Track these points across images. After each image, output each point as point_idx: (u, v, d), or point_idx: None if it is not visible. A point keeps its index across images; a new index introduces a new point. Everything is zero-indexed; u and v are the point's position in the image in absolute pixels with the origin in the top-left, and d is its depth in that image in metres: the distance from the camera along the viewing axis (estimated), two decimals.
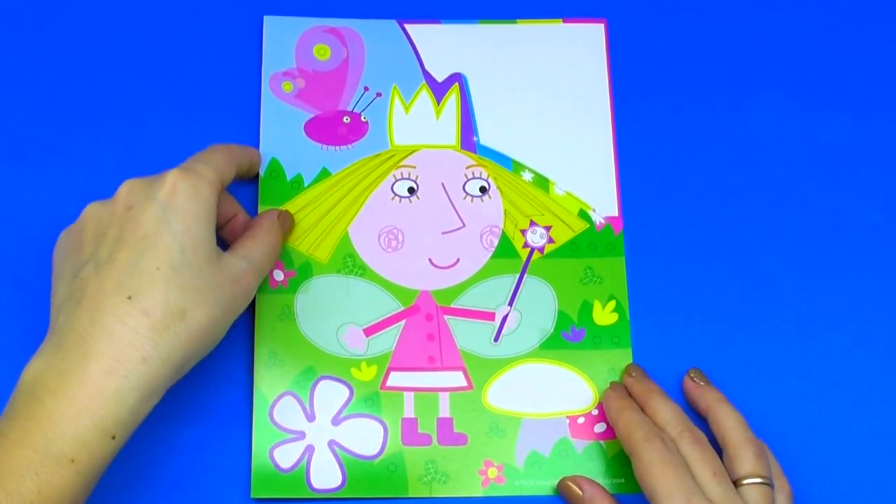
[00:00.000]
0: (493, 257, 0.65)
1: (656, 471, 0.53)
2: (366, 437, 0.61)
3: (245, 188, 0.65)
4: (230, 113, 0.67)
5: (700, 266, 0.65)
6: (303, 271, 0.64)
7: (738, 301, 0.64)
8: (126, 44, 0.69)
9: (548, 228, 0.66)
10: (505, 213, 0.66)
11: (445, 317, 0.64)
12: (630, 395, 0.60)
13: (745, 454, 0.55)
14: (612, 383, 0.61)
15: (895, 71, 0.70)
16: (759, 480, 0.54)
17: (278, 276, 0.63)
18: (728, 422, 0.57)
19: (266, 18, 0.69)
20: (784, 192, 0.67)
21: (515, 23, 0.70)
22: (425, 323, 0.63)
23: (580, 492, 0.58)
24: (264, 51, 0.69)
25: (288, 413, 0.61)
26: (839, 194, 0.67)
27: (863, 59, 0.70)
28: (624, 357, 0.63)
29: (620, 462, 0.60)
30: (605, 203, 0.66)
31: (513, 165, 0.67)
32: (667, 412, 0.58)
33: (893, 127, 0.69)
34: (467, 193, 0.66)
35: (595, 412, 0.62)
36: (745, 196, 0.67)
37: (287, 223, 0.63)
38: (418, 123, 0.68)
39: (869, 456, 0.62)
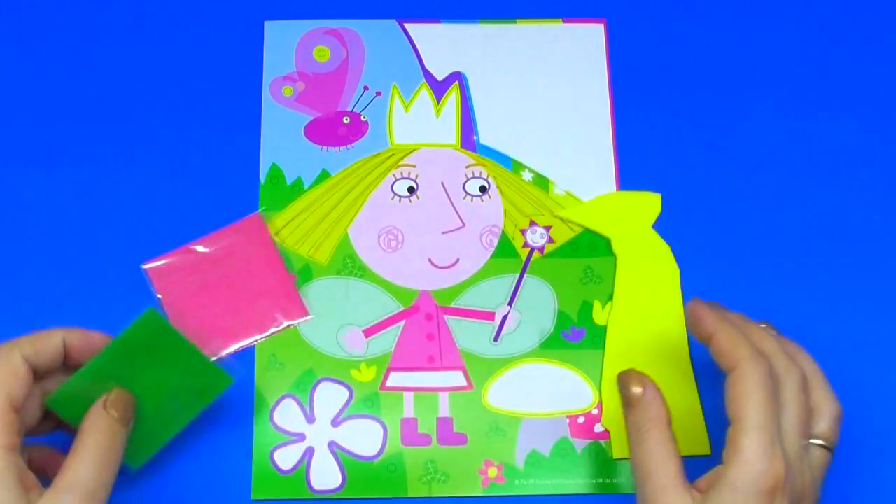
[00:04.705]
0: (492, 257, 0.65)
1: (756, 397, 0.48)
2: (365, 438, 0.61)
3: (245, 194, 0.66)
4: (231, 119, 0.68)
5: (699, 266, 0.65)
6: (303, 275, 0.64)
7: (737, 301, 0.64)
8: (128, 51, 0.69)
9: (548, 228, 0.66)
10: (505, 213, 0.66)
11: (445, 317, 0.64)
12: None
13: (826, 414, 0.51)
14: (695, 297, 0.55)
15: (895, 71, 0.70)
16: (827, 445, 0.51)
17: None
18: (815, 372, 0.53)
19: (267, 24, 0.70)
20: (784, 192, 0.67)
21: (515, 22, 0.70)
22: (425, 323, 0.64)
23: (641, 390, 0.53)
24: (265, 56, 0.69)
25: (288, 415, 0.61)
26: (839, 194, 0.67)
27: (862, 60, 0.70)
28: None
29: (621, 462, 0.60)
30: None
31: (513, 165, 0.67)
32: (774, 344, 0.52)
33: (893, 127, 0.69)
34: (467, 193, 0.66)
35: (595, 412, 0.62)
36: (744, 196, 0.67)
37: (120, 409, 0.52)
38: (418, 122, 0.68)
39: (869, 454, 0.62)
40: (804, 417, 0.50)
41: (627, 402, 0.53)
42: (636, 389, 0.52)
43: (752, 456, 0.47)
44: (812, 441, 0.51)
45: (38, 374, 0.52)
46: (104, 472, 0.50)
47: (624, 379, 0.53)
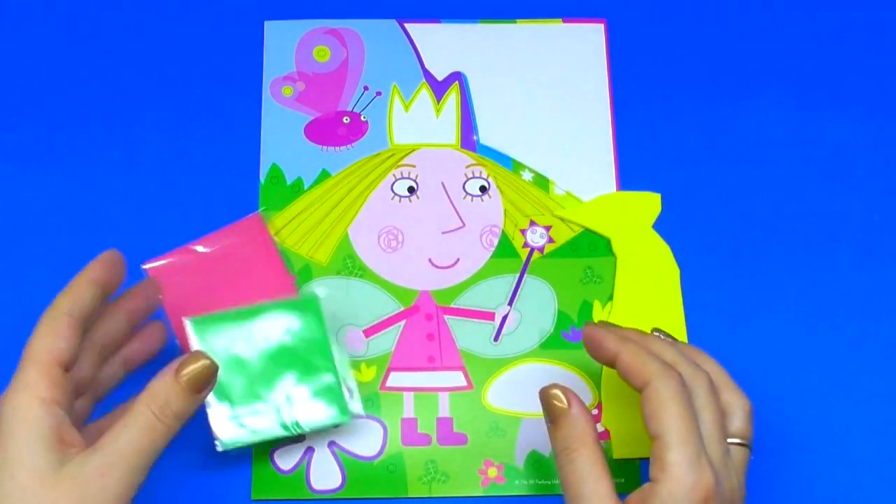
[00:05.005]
0: (492, 257, 0.65)
1: (673, 411, 0.48)
2: (365, 438, 0.61)
3: (245, 195, 0.66)
4: (231, 120, 0.68)
5: (699, 266, 0.65)
6: (303, 275, 0.64)
7: (737, 301, 0.64)
8: (128, 51, 0.69)
9: (548, 228, 0.66)
10: (505, 213, 0.66)
11: (445, 317, 0.64)
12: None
13: (738, 412, 0.52)
14: (588, 322, 0.55)
15: (895, 71, 0.70)
16: (744, 443, 0.51)
17: None
18: (718, 371, 0.53)
19: (267, 24, 0.70)
20: (784, 192, 0.67)
21: (515, 22, 0.70)
22: (425, 323, 0.64)
23: (566, 406, 0.50)
24: (265, 56, 0.69)
25: None
26: (839, 194, 0.67)
27: (863, 59, 0.70)
28: None
29: (620, 462, 0.60)
30: None
31: (513, 165, 0.67)
32: (675, 353, 0.52)
33: (893, 127, 0.69)
34: (467, 193, 0.66)
35: (595, 412, 0.62)
36: (744, 196, 0.67)
37: (191, 374, 0.50)
38: (418, 122, 0.68)
39: (869, 453, 0.62)
40: (719, 420, 0.50)
41: (552, 419, 0.51)
42: (560, 405, 0.50)
43: (679, 471, 0.47)
44: (730, 441, 0.51)
45: (90, 319, 0.52)
46: (147, 440, 0.48)
47: (547, 394, 0.51)
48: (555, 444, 0.50)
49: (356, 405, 0.59)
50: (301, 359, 0.58)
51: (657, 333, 0.55)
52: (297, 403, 0.58)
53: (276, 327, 0.59)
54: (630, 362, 0.50)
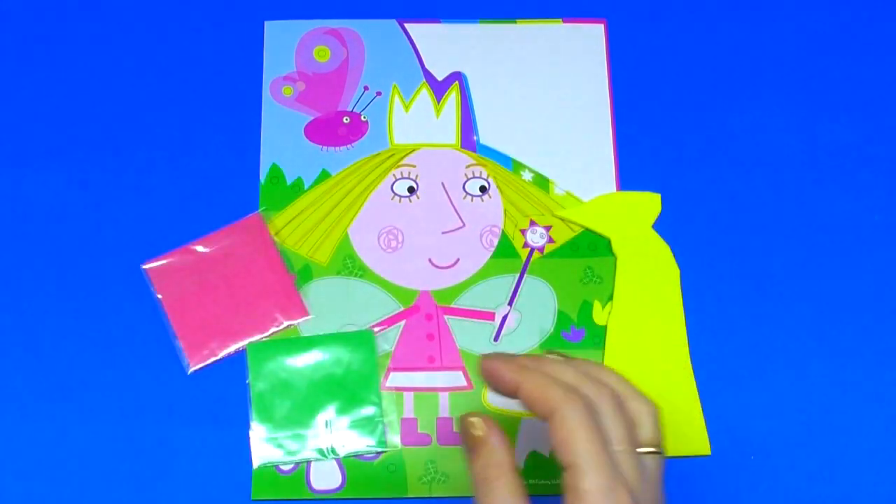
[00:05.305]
0: (493, 257, 0.65)
1: (583, 437, 0.45)
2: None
3: (246, 195, 0.66)
4: (232, 119, 0.68)
5: (699, 266, 0.65)
6: (303, 275, 0.64)
7: (736, 300, 0.64)
8: (129, 51, 0.69)
9: (548, 228, 0.66)
10: (505, 213, 0.66)
11: (445, 317, 0.64)
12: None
13: (645, 419, 0.49)
14: (484, 354, 0.51)
15: (895, 71, 0.70)
16: (657, 450, 0.48)
17: None
18: (619, 382, 0.50)
19: (267, 24, 0.70)
20: (784, 192, 0.67)
21: (515, 22, 0.70)
22: (425, 323, 0.64)
23: (484, 434, 0.48)
24: (265, 56, 0.69)
25: None
26: (839, 194, 0.67)
27: (862, 60, 0.70)
28: None
29: None
30: None
31: (513, 165, 0.67)
32: (574, 373, 0.48)
33: (893, 127, 0.69)
34: (467, 193, 0.66)
35: None
36: (744, 196, 0.67)
37: None
38: (418, 122, 0.68)
39: (870, 453, 0.62)
40: (629, 435, 0.47)
41: (470, 448, 0.48)
42: (479, 433, 0.48)
43: (595, 498, 0.44)
44: (643, 450, 0.48)
45: None
46: None
47: (465, 422, 0.48)
48: (473, 473, 0.48)
49: (395, 438, 0.61)
50: (347, 389, 0.61)
51: (551, 355, 0.52)
52: (336, 431, 0.60)
53: (328, 357, 0.61)
54: (532, 391, 0.47)
